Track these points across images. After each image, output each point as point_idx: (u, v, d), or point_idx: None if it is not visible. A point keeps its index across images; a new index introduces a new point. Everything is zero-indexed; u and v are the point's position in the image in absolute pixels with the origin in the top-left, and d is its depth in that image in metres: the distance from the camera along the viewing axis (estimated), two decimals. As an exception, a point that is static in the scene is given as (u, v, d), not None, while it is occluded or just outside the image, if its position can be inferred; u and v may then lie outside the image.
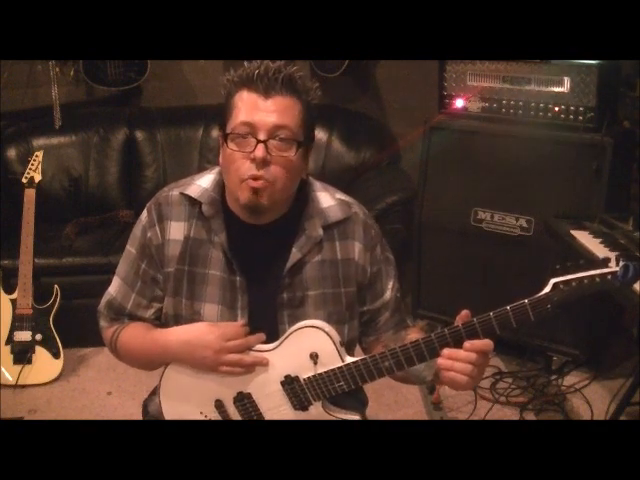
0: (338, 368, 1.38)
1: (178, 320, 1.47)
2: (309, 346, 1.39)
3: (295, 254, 1.43)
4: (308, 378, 1.39)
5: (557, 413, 2.63)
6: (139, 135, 3.59)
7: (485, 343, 1.28)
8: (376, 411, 2.57)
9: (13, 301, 2.88)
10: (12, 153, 3.48)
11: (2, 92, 3.49)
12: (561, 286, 1.25)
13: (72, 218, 3.30)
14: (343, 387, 1.39)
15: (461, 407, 2.66)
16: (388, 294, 1.52)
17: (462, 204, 2.89)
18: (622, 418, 2.34)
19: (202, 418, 1.48)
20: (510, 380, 2.81)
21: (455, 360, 1.28)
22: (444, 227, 2.96)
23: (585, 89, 2.58)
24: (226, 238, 1.43)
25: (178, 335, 1.44)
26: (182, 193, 1.46)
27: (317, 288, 1.45)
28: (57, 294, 2.93)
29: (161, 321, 1.52)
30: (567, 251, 2.23)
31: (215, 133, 3.53)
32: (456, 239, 2.93)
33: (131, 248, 1.52)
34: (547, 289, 1.26)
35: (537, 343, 2.82)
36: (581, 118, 2.60)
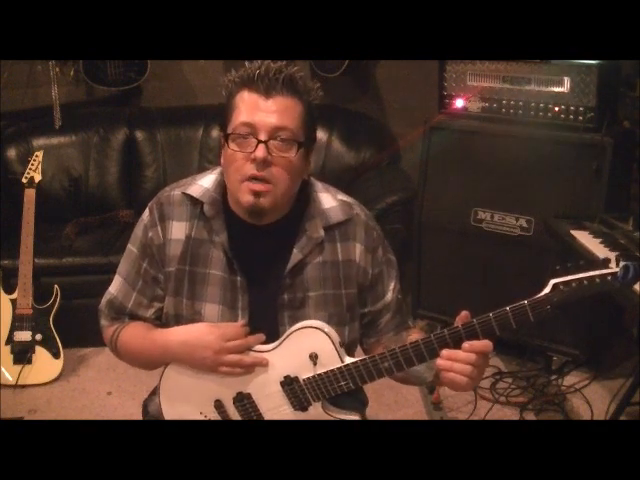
0: (337, 369, 1.38)
1: (179, 320, 1.47)
2: (309, 346, 1.39)
3: (296, 255, 1.43)
4: (308, 378, 1.39)
5: (557, 413, 2.63)
6: (139, 135, 3.59)
7: (484, 344, 1.28)
8: (376, 411, 2.57)
9: (13, 301, 2.88)
10: (12, 153, 3.48)
11: (2, 92, 3.49)
12: (561, 287, 1.25)
13: (72, 218, 3.30)
14: (343, 388, 1.39)
15: (461, 407, 2.66)
16: (389, 296, 1.52)
17: (462, 204, 2.89)
18: (622, 418, 2.34)
19: (202, 418, 1.48)
20: (510, 380, 2.81)
21: (454, 361, 1.28)
22: (444, 227, 2.96)
23: (585, 89, 2.58)
24: (227, 238, 1.43)
25: (178, 335, 1.44)
26: (184, 193, 1.46)
27: (318, 289, 1.45)
28: (57, 294, 2.93)
29: (162, 321, 1.52)
30: (567, 251, 2.23)
31: (215, 133, 3.54)
32: (456, 239, 2.93)
33: (132, 247, 1.52)
34: (547, 290, 1.26)
35: (537, 343, 2.82)
36: (581, 118, 2.60)
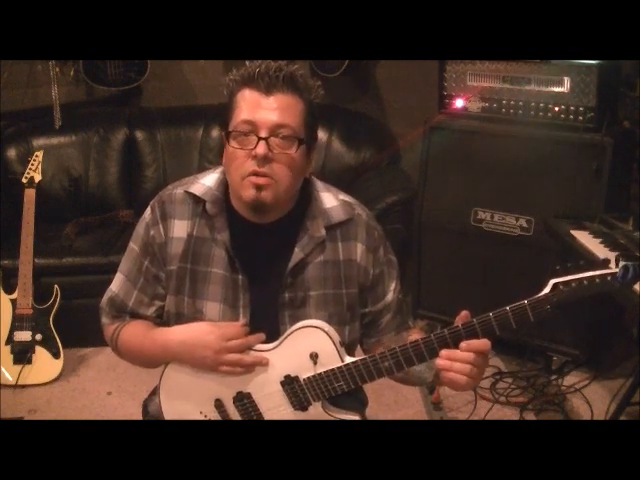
0: (338, 368, 1.38)
1: (180, 318, 1.47)
2: (309, 346, 1.39)
3: (297, 254, 1.43)
4: (308, 378, 1.39)
5: (557, 413, 2.63)
6: (139, 135, 3.59)
7: (482, 343, 1.28)
8: (376, 411, 2.57)
9: (13, 301, 2.88)
10: (12, 153, 3.48)
11: (2, 92, 3.49)
12: (561, 287, 1.25)
13: (72, 218, 3.30)
14: (343, 387, 1.39)
15: (461, 407, 2.66)
16: (390, 296, 1.52)
17: (462, 204, 2.89)
18: (622, 418, 2.34)
19: (202, 418, 1.48)
20: (510, 380, 2.81)
21: (454, 360, 1.28)
22: (444, 227, 2.96)
23: (585, 89, 2.58)
24: (229, 236, 1.43)
25: (178, 334, 1.44)
26: (186, 191, 1.47)
27: (319, 288, 1.45)
28: (57, 294, 2.92)
29: (163, 319, 1.52)
30: (567, 251, 2.23)
31: (215, 133, 3.54)
32: (456, 239, 2.93)
33: (134, 245, 1.52)
34: (547, 290, 1.26)
35: (537, 343, 2.81)
36: (581, 118, 2.60)
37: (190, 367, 1.45)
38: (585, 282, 1.24)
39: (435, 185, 2.97)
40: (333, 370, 1.38)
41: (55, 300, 2.92)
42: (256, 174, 1.34)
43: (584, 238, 2.19)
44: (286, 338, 1.40)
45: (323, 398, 1.41)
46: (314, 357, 1.38)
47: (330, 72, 3.36)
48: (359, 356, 1.41)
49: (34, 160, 3.08)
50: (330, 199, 1.48)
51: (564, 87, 2.63)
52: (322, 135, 3.41)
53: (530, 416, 2.62)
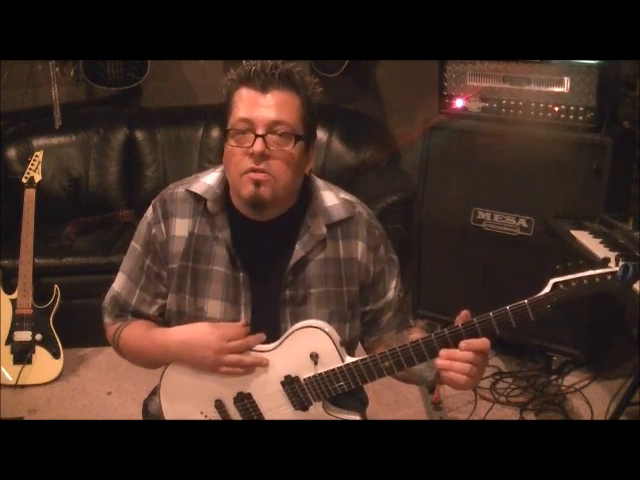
0: (338, 368, 1.38)
1: (181, 316, 1.48)
2: (309, 346, 1.39)
3: (298, 252, 1.43)
4: (308, 378, 1.40)
5: (557, 413, 2.63)
6: (139, 135, 3.59)
7: (481, 342, 1.28)
8: (376, 411, 2.57)
9: (13, 301, 2.88)
10: (12, 153, 3.47)
11: (2, 92, 3.49)
12: (561, 286, 1.25)
13: (72, 218, 3.30)
14: (343, 387, 1.39)
15: (461, 407, 2.66)
16: (391, 294, 1.52)
17: (462, 204, 2.89)
18: (622, 418, 2.34)
19: (202, 418, 1.48)
20: (510, 380, 2.81)
21: (453, 360, 1.29)
22: (444, 227, 2.96)
23: (585, 89, 2.58)
24: (230, 234, 1.44)
25: (178, 335, 1.44)
26: (187, 190, 1.47)
27: (319, 286, 1.45)
28: (57, 294, 2.92)
29: (164, 318, 1.52)
30: (567, 251, 2.23)
31: (215, 133, 3.54)
32: (456, 239, 2.93)
33: (136, 244, 1.52)
34: (547, 289, 1.26)
35: (537, 343, 2.82)
36: (581, 118, 2.60)
37: (190, 368, 1.45)
38: (585, 281, 1.25)
39: (435, 185, 2.97)
40: (333, 370, 1.38)
41: (55, 300, 2.92)
42: (254, 171, 1.34)
43: (584, 238, 2.19)
44: (286, 338, 1.40)
45: (324, 398, 1.41)
46: (314, 357, 1.38)
47: (330, 72, 3.36)
48: (360, 355, 1.41)
49: (34, 160, 3.08)
50: (331, 197, 1.48)
51: (564, 87, 2.63)
52: (322, 135, 3.41)
53: (530, 416, 2.62)
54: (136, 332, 1.51)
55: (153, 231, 1.48)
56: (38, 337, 2.86)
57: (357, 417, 1.45)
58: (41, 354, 2.87)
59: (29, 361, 2.85)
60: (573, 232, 2.25)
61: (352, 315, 1.48)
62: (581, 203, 2.58)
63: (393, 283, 1.53)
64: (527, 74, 2.71)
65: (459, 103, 2.89)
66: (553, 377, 2.81)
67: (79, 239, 3.19)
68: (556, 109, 2.66)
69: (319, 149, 3.39)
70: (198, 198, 1.46)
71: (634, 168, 2.89)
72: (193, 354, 1.41)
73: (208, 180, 1.48)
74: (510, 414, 2.64)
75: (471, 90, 2.85)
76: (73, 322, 2.95)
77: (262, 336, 1.42)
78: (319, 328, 1.39)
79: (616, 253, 1.96)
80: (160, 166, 3.57)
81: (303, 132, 1.38)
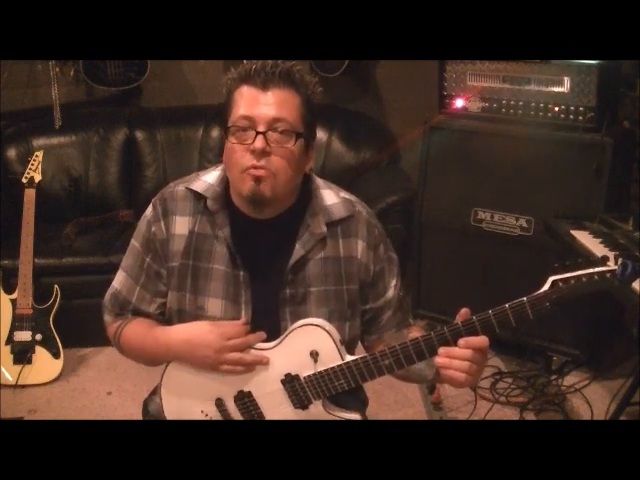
0: (338, 366, 1.38)
1: (182, 315, 1.48)
2: (309, 344, 1.39)
3: (298, 250, 1.44)
4: (308, 376, 1.40)
5: (557, 413, 2.63)
6: (139, 135, 3.59)
7: (480, 340, 1.29)
8: (376, 411, 2.57)
9: (13, 301, 2.88)
10: (12, 153, 3.47)
11: (2, 92, 3.49)
12: (560, 284, 1.25)
13: (72, 218, 3.30)
14: (343, 385, 1.39)
15: (461, 407, 2.66)
16: (391, 292, 1.52)
17: (462, 204, 2.89)
18: (622, 418, 2.34)
19: (203, 416, 1.48)
20: (510, 380, 2.81)
21: (452, 358, 1.29)
22: (444, 227, 2.96)
23: (585, 89, 2.58)
24: (230, 233, 1.44)
25: (179, 334, 1.45)
26: (187, 188, 1.48)
27: (319, 285, 1.45)
28: (57, 294, 2.92)
29: (165, 316, 1.52)
30: (567, 251, 2.23)
31: (215, 133, 3.54)
32: (456, 239, 2.94)
33: (135, 242, 1.53)
34: (546, 287, 1.26)
35: (537, 343, 2.82)
36: (581, 118, 2.60)
37: (191, 366, 1.45)
38: (584, 279, 1.25)
39: (435, 185, 2.97)
40: (333, 368, 1.38)
41: (55, 300, 2.92)
42: (255, 167, 1.34)
43: (584, 238, 2.19)
44: (286, 336, 1.41)
45: (323, 396, 1.41)
46: (314, 355, 1.38)
47: (330, 72, 3.36)
48: (360, 354, 1.41)
49: (34, 160, 3.08)
50: (331, 196, 1.49)
51: (564, 87, 2.63)
52: (322, 135, 3.41)
53: (530, 416, 2.62)
54: (137, 330, 1.52)
55: (153, 229, 1.49)
56: (38, 337, 2.86)
57: (357, 417, 1.45)
58: (41, 354, 2.87)
59: (29, 361, 2.85)
60: (573, 232, 2.25)
61: (352, 314, 1.49)
62: (581, 203, 2.58)
63: (393, 282, 1.53)
64: (527, 74, 2.71)
65: (459, 103, 2.89)
66: (553, 377, 2.81)
67: (79, 239, 3.19)
68: (556, 109, 2.66)
69: (319, 149, 3.39)
70: (198, 196, 1.47)
71: (634, 168, 2.89)
72: (194, 353, 1.42)
73: (208, 178, 1.48)
74: (510, 414, 2.64)
75: (471, 90, 2.85)
76: (73, 322, 2.95)
77: (262, 334, 1.43)
78: (319, 326, 1.39)
79: (616, 253, 1.96)
80: (160, 166, 3.57)
81: (303, 130, 1.38)
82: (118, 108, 3.69)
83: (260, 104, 1.35)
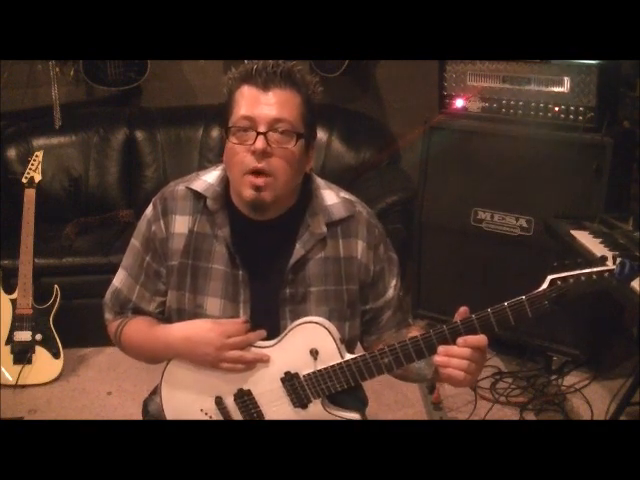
0: (337, 365, 1.38)
1: (181, 314, 1.48)
2: (309, 342, 1.39)
3: (299, 250, 1.44)
4: (308, 375, 1.40)
5: (557, 413, 2.63)
6: (139, 135, 3.59)
7: (478, 338, 1.29)
8: (376, 411, 2.57)
9: (13, 301, 2.88)
10: (12, 153, 3.48)
11: (2, 92, 3.49)
12: (558, 282, 1.26)
13: (72, 218, 3.30)
14: (342, 384, 1.39)
15: (461, 407, 2.66)
16: (391, 292, 1.53)
17: (462, 204, 2.89)
18: (622, 418, 2.35)
19: (202, 414, 1.48)
20: (510, 380, 2.81)
21: (451, 356, 1.29)
22: (444, 227, 2.96)
23: (585, 89, 2.58)
24: (229, 232, 1.44)
25: (180, 332, 1.45)
26: (187, 187, 1.48)
27: (319, 285, 1.45)
28: (57, 294, 2.92)
29: (164, 315, 1.53)
30: (567, 251, 2.23)
31: (215, 133, 3.54)
32: (456, 239, 2.94)
33: (136, 241, 1.53)
34: (544, 286, 1.26)
35: (537, 343, 2.82)
36: (581, 118, 2.60)
37: (192, 364, 1.45)
38: (583, 278, 1.25)
39: (435, 185, 2.97)
40: (333, 367, 1.38)
41: (55, 300, 2.92)
42: (255, 172, 1.34)
43: (584, 238, 2.19)
44: (287, 334, 1.41)
45: (323, 395, 1.41)
46: (314, 353, 1.38)
47: (330, 72, 3.36)
48: (359, 353, 1.41)
49: (34, 160, 3.08)
50: (331, 196, 1.49)
51: (564, 87, 2.63)
52: (322, 135, 3.41)
53: (530, 416, 2.62)
54: (138, 328, 1.52)
55: (153, 228, 1.49)
56: (38, 337, 2.86)
57: (357, 416, 1.46)
58: (41, 354, 2.87)
59: (29, 361, 2.85)
60: (573, 232, 2.25)
61: (352, 314, 1.49)
62: (581, 203, 2.58)
63: (393, 282, 1.53)
64: (527, 74, 2.71)
65: (459, 103, 2.89)
66: (553, 377, 2.81)
67: (79, 239, 3.19)
68: (556, 109, 2.66)
69: (319, 149, 3.39)
70: (198, 196, 1.47)
71: (634, 168, 2.89)
72: (194, 350, 1.42)
73: (208, 178, 1.49)
74: (510, 414, 2.64)
75: (471, 90, 2.85)
76: (73, 322, 2.95)
77: (262, 332, 1.43)
78: (319, 324, 1.39)
79: (616, 253, 1.96)
80: (160, 166, 3.57)
81: (304, 130, 1.38)
82: (118, 108, 3.69)
83: (261, 104, 1.35)
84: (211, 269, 1.45)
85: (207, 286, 1.45)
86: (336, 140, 3.50)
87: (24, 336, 2.86)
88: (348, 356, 1.39)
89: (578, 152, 2.59)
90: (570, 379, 2.80)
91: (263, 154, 1.33)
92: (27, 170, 3.05)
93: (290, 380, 1.41)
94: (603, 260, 1.27)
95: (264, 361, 1.41)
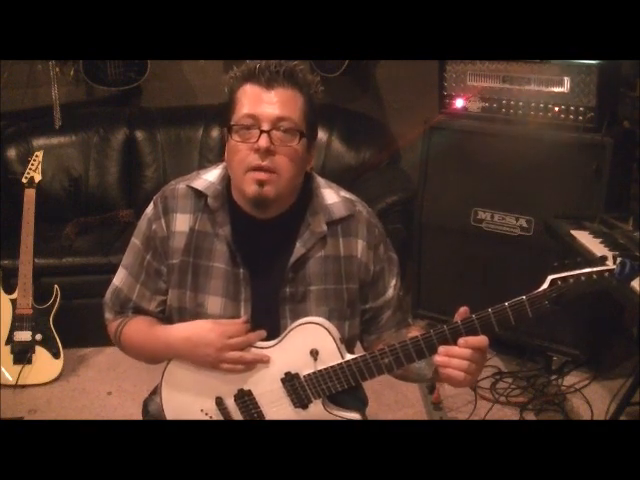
0: (338, 365, 1.38)
1: (182, 312, 1.48)
2: (309, 343, 1.39)
3: (299, 249, 1.44)
4: (308, 375, 1.40)
5: (557, 413, 2.63)
6: (139, 135, 3.59)
7: (479, 339, 1.29)
8: (376, 411, 2.57)
9: (13, 301, 2.88)
10: (12, 153, 3.48)
11: (2, 92, 3.49)
12: (559, 282, 1.26)
13: (72, 218, 3.30)
14: (343, 384, 1.39)
15: (461, 407, 2.66)
16: (390, 292, 1.53)
17: (462, 204, 2.89)
18: (622, 418, 2.35)
19: (203, 415, 1.48)
20: (510, 380, 2.82)
21: (451, 357, 1.29)
22: (444, 227, 2.96)
23: (585, 89, 2.58)
24: (230, 231, 1.44)
25: (180, 332, 1.45)
26: (188, 186, 1.48)
27: (319, 283, 1.46)
28: (57, 294, 2.92)
29: (165, 314, 1.53)
30: (567, 251, 2.23)
31: (215, 133, 3.54)
32: (456, 239, 2.94)
33: (136, 240, 1.53)
34: (545, 286, 1.26)
35: (537, 343, 2.82)
36: (581, 118, 2.60)
37: (192, 364, 1.45)
38: (583, 278, 1.25)
39: (435, 185, 2.97)
40: (333, 367, 1.38)
41: (55, 300, 2.92)
42: (258, 168, 1.34)
43: (584, 238, 2.19)
44: (287, 335, 1.41)
45: (323, 395, 1.41)
46: (314, 354, 1.38)
47: (330, 72, 3.36)
48: (359, 353, 1.41)
49: (34, 160, 3.08)
50: (331, 195, 1.49)
51: (564, 87, 2.63)
52: (322, 135, 3.41)
53: (530, 416, 2.62)
54: (138, 328, 1.52)
55: (153, 227, 1.49)
56: (38, 337, 2.86)
57: (357, 416, 1.46)
58: (41, 354, 2.87)
59: (29, 361, 2.85)
60: (573, 232, 2.25)
61: (351, 313, 1.49)
62: (581, 203, 2.58)
63: (393, 281, 1.53)
64: (527, 74, 2.71)
65: (459, 103, 2.89)
66: (553, 377, 2.81)
67: (79, 239, 3.19)
68: (556, 109, 2.66)
69: (319, 149, 3.39)
70: (199, 194, 1.47)
71: (634, 168, 2.89)
72: (195, 351, 1.42)
73: (209, 177, 1.49)
74: (510, 414, 2.64)
75: (471, 90, 2.85)
76: (73, 322, 2.95)
77: (263, 333, 1.43)
78: (319, 324, 1.39)
79: (616, 253, 1.96)
80: (160, 166, 3.57)
81: (306, 129, 1.39)
82: (118, 108, 3.69)
83: (264, 103, 1.35)
84: (212, 267, 1.45)
85: (208, 284, 1.45)
86: (336, 140, 3.50)
87: (24, 336, 2.86)
88: (348, 356, 1.39)
89: (578, 152, 2.59)
90: (570, 379, 2.80)
91: (267, 152, 1.34)
92: (27, 170, 3.05)
93: (290, 380, 1.41)
94: (603, 260, 1.27)
95: (264, 361, 1.41)
